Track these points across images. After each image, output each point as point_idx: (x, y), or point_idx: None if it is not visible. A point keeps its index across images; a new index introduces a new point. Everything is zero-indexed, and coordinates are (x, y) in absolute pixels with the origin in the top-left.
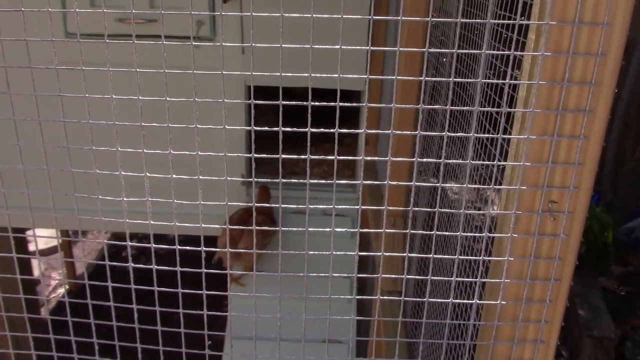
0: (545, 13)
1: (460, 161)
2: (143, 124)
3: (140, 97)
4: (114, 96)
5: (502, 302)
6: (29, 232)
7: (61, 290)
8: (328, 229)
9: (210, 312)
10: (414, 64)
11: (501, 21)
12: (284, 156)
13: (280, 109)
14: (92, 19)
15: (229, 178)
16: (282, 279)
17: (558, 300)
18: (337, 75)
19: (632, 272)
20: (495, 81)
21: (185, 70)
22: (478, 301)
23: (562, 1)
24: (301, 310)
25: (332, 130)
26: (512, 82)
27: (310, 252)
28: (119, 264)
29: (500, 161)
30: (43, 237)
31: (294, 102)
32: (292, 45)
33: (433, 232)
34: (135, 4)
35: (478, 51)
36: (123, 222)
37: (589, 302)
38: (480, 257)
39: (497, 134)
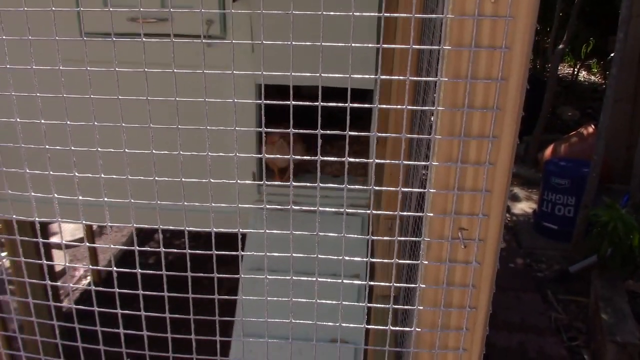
0: (445, 38)
1: (362, 187)
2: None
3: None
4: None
5: (417, 329)
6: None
7: (85, 281)
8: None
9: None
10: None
11: (398, 46)
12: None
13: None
14: (105, 19)
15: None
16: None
17: (475, 328)
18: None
19: None
20: (391, 107)
21: (195, 70)
22: (392, 328)
23: (458, 24)
24: (308, 311)
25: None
26: (411, 107)
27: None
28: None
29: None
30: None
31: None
32: (302, 43)
33: (321, 256)
34: (146, 3)
35: (373, 76)
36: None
37: (614, 306)
38: (391, 284)
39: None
